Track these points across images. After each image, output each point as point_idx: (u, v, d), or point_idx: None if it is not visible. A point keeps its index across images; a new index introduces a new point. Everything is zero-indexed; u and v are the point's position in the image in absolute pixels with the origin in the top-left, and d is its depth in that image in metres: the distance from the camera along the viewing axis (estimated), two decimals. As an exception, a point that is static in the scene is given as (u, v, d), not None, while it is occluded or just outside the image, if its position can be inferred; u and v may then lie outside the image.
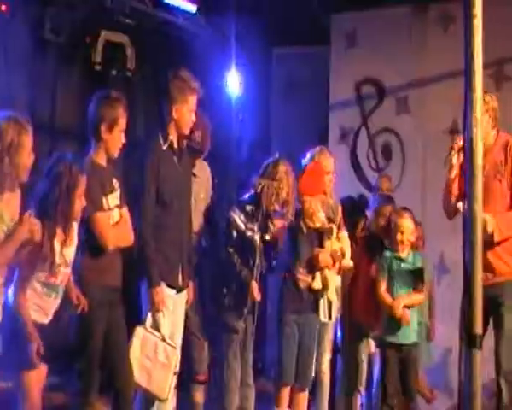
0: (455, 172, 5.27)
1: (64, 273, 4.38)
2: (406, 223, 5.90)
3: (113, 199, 4.77)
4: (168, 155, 5.11)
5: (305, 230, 5.70)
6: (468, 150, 3.32)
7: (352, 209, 6.60)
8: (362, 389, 6.36)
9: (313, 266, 5.66)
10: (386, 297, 5.85)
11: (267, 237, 5.53)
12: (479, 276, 3.32)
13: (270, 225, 5.55)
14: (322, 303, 5.87)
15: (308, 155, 6.07)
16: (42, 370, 4.30)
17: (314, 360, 5.83)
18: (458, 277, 3.53)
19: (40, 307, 4.32)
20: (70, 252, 4.39)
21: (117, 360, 4.78)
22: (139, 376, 4.89)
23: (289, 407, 5.75)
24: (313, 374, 5.88)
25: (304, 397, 5.82)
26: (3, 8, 6.10)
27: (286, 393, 5.68)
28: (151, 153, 5.08)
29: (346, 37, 8.35)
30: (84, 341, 4.58)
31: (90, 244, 4.62)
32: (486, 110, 5.20)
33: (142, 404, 5.08)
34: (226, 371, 5.47)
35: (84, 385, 4.68)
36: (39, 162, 4.33)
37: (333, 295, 5.83)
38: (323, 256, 5.69)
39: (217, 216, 5.87)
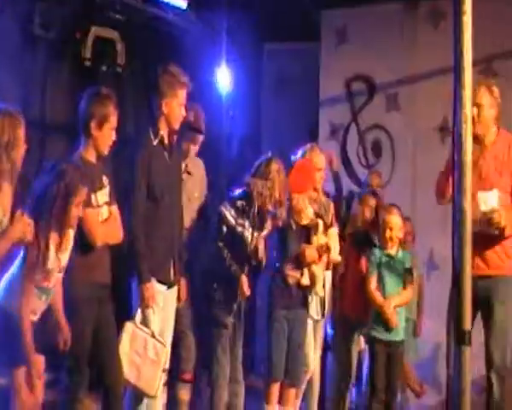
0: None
1: (57, 278, 4.37)
2: (395, 219, 5.91)
3: (103, 196, 4.76)
4: (159, 151, 5.11)
5: (293, 226, 5.70)
6: (457, 147, 3.33)
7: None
8: (351, 385, 6.37)
9: (300, 262, 5.66)
10: (377, 296, 5.86)
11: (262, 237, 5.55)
12: (468, 272, 3.33)
13: (266, 226, 5.55)
14: (314, 300, 5.88)
15: (299, 152, 6.07)
16: (39, 365, 4.28)
17: (304, 356, 5.84)
18: (447, 273, 3.53)
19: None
20: (65, 257, 4.37)
21: (106, 357, 4.77)
22: (128, 372, 4.88)
23: (279, 403, 5.75)
24: (304, 370, 5.89)
25: (293, 393, 5.82)
26: (-7, 3, 6.09)
27: (275, 389, 5.68)
28: (141, 148, 5.08)
29: (337, 33, 8.36)
30: (73, 338, 4.56)
31: (79, 241, 4.61)
32: (491, 105, 5.21)
33: (132, 401, 5.08)
34: (215, 366, 5.47)
35: (74, 382, 4.67)
36: (29, 158, 4.33)
37: (320, 290, 5.83)
38: (309, 252, 5.68)
39: (209, 212, 5.86)
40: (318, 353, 6.19)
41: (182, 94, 5.12)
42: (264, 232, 5.59)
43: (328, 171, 6.46)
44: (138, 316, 4.99)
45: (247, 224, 5.46)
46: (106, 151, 4.80)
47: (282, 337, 5.62)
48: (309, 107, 8.46)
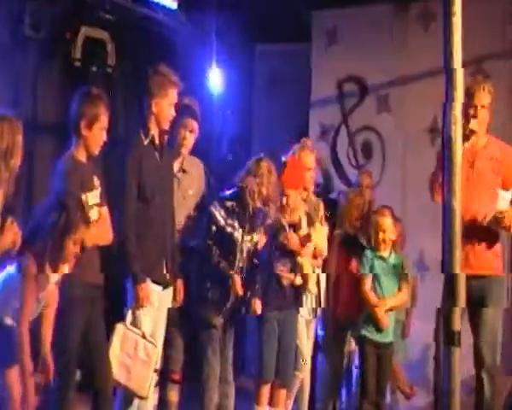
0: None
1: (51, 289, 4.33)
2: (387, 221, 5.92)
3: (93, 197, 4.74)
4: (149, 151, 5.11)
5: (286, 226, 5.71)
6: (446, 148, 3.33)
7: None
8: (342, 386, 6.38)
9: (285, 250, 5.66)
10: (372, 296, 5.87)
11: (255, 238, 5.53)
12: (457, 272, 3.32)
13: (259, 227, 5.55)
14: (309, 300, 5.89)
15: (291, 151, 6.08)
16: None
17: (296, 358, 5.84)
18: (438, 274, 3.54)
19: None
20: (58, 277, 4.34)
21: (96, 358, 4.76)
22: (118, 373, 4.87)
23: (269, 404, 5.74)
24: (294, 371, 5.89)
25: (284, 394, 5.82)
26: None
27: (266, 390, 5.68)
28: (132, 148, 5.08)
29: (328, 34, 8.37)
30: (63, 339, 4.54)
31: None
32: (490, 108, 5.24)
33: (122, 402, 5.07)
34: (205, 367, 5.46)
35: (62, 383, 4.65)
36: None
37: (313, 287, 5.84)
38: (291, 236, 5.68)
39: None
40: (309, 354, 6.18)
41: (172, 94, 5.11)
42: (257, 236, 5.57)
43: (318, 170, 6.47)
44: (129, 317, 4.99)
45: (236, 224, 5.45)
46: (96, 151, 4.79)
47: (274, 338, 5.62)
48: (300, 108, 8.47)
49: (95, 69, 6.97)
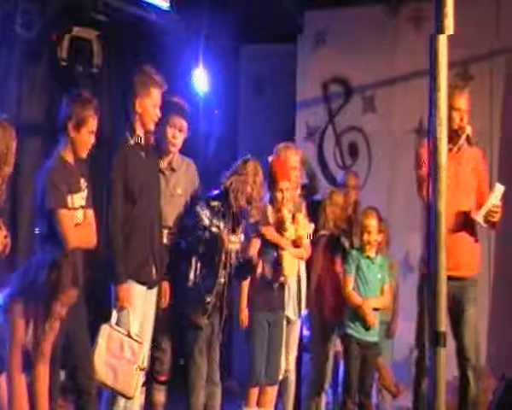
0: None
1: None
2: (373, 223, 5.94)
3: (79, 199, 4.73)
4: (135, 151, 5.11)
5: (270, 220, 5.70)
6: (432, 149, 3.34)
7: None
8: (328, 387, 6.39)
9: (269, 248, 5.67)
10: (355, 297, 5.88)
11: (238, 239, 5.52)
12: (442, 273, 3.34)
13: (242, 226, 5.54)
14: (291, 300, 5.89)
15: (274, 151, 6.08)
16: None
17: (283, 357, 5.85)
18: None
19: None
20: None
21: (78, 358, 4.74)
22: (105, 374, 4.86)
23: (257, 404, 5.74)
24: (282, 371, 5.89)
25: (271, 393, 5.82)
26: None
27: (255, 392, 5.67)
28: (118, 149, 5.08)
29: (316, 35, 8.38)
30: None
31: (52, 241, 4.59)
32: (459, 109, 5.29)
33: (109, 403, 5.06)
34: (192, 368, 5.45)
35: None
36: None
37: (293, 286, 5.86)
38: (267, 229, 5.68)
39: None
40: (294, 354, 6.19)
41: (155, 94, 5.11)
42: (241, 235, 5.57)
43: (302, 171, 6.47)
44: (114, 317, 4.98)
45: (222, 225, 5.45)
46: (83, 154, 4.78)
47: (264, 340, 5.61)
48: (286, 108, 8.48)
49: (81, 69, 6.95)
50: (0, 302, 4.12)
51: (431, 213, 3.34)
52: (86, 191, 4.78)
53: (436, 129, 3.33)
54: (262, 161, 5.70)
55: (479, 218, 5.28)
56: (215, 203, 5.45)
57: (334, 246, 6.23)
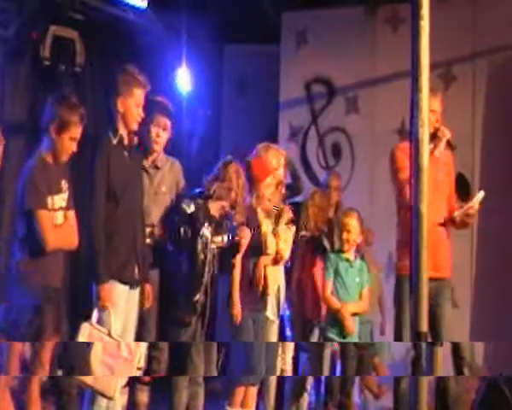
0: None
1: None
2: (353, 222, 5.94)
3: (60, 200, 4.70)
4: (118, 150, 5.08)
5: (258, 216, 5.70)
6: (414, 151, 3.35)
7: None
8: (310, 387, 6.39)
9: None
10: (334, 302, 5.89)
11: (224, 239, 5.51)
12: (424, 275, 3.36)
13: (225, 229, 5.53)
14: (270, 301, 5.89)
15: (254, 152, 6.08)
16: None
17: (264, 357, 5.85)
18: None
19: None
20: None
21: None
22: (85, 373, 4.84)
23: (240, 405, 5.74)
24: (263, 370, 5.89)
25: (254, 392, 5.81)
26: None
27: (241, 392, 5.66)
28: (101, 148, 5.04)
29: (297, 35, 8.39)
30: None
31: (31, 242, 4.57)
32: (433, 111, 5.32)
33: (90, 403, 5.04)
34: (174, 368, 5.45)
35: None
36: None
37: (274, 289, 5.87)
38: (243, 230, 5.68)
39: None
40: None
41: (138, 93, 5.09)
42: (225, 236, 5.56)
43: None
44: (95, 316, 4.96)
45: (206, 223, 5.44)
46: (63, 158, 4.73)
47: (249, 341, 5.60)
48: (269, 108, 8.48)
49: (63, 68, 6.93)
50: None
51: (412, 215, 3.35)
52: (67, 192, 4.75)
53: (418, 130, 3.33)
54: (243, 162, 5.71)
55: (458, 215, 5.45)
56: (200, 201, 5.44)
57: (315, 247, 6.23)
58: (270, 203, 5.81)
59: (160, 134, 5.57)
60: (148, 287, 5.32)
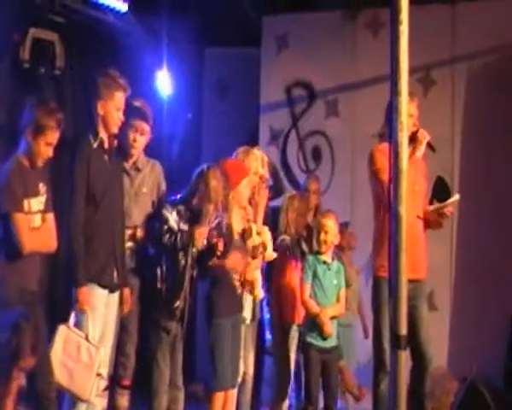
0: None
1: None
2: (330, 223, 5.92)
3: (37, 203, 4.66)
4: (98, 153, 5.08)
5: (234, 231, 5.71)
6: (393, 154, 3.37)
7: None
8: (290, 391, 6.39)
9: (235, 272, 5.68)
10: (313, 305, 5.89)
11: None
12: (403, 277, 3.37)
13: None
14: (247, 303, 5.89)
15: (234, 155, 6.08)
16: None
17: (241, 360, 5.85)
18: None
19: None
20: None
21: (37, 363, 4.68)
22: (60, 375, 4.81)
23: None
24: (241, 374, 5.89)
25: (232, 395, 5.80)
26: None
27: (221, 397, 5.64)
28: (81, 151, 5.04)
29: (277, 39, 8.41)
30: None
31: (7, 244, 4.54)
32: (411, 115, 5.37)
33: (69, 406, 5.02)
34: (155, 371, 5.43)
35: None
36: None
37: (259, 293, 5.87)
38: (250, 273, 5.73)
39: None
40: (252, 356, 6.17)
41: (119, 97, 5.09)
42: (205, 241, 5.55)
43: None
44: (72, 319, 4.94)
45: (187, 228, 5.43)
46: (39, 163, 4.66)
47: (228, 345, 5.58)
48: (249, 112, 8.49)
49: (43, 71, 6.90)
50: None
51: (391, 217, 3.36)
52: (46, 195, 4.71)
53: (397, 134, 3.35)
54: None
55: (431, 209, 5.62)
56: (181, 207, 5.44)
57: (294, 250, 6.25)
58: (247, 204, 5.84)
59: (137, 138, 5.59)
60: (126, 291, 5.31)
